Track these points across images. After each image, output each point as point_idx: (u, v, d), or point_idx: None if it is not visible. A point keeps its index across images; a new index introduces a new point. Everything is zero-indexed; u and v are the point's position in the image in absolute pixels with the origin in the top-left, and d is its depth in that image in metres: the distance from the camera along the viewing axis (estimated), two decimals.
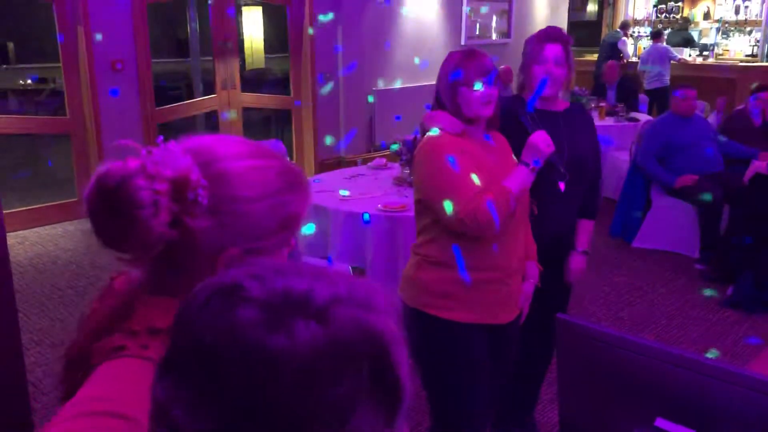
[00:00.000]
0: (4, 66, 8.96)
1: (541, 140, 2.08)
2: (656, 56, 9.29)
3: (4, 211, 5.50)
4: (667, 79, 9.17)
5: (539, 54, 2.38)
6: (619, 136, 6.58)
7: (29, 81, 8.83)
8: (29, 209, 5.76)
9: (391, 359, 0.56)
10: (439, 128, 2.06)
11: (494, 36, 9.26)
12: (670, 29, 11.69)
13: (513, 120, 2.26)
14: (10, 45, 9.05)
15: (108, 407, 0.75)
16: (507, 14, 9.40)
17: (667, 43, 10.01)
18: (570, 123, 2.47)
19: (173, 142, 0.87)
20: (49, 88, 8.58)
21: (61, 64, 5.75)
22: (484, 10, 8.94)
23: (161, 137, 0.89)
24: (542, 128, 2.16)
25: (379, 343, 0.55)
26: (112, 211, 0.80)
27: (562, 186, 2.34)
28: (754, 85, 5.61)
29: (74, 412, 0.74)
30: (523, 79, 2.48)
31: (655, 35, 9.76)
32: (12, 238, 5.32)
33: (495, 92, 2.06)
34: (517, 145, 2.15)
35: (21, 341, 2.24)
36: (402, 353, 0.57)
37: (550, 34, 2.42)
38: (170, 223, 0.81)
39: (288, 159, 0.98)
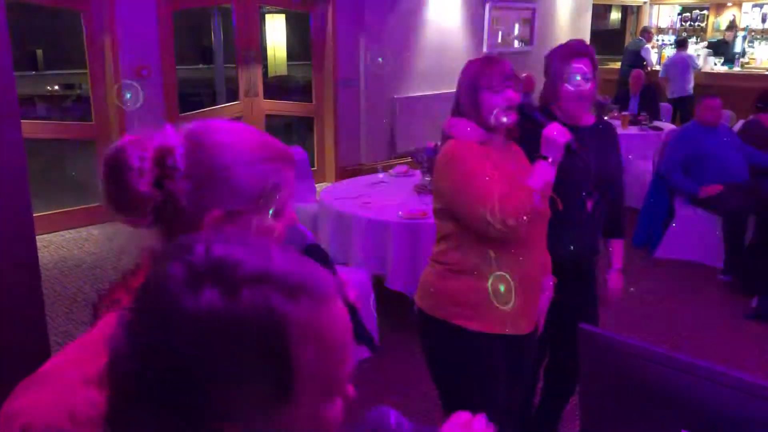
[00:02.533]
0: (33, 72, 9.10)
1: (555, 131, 2.03)
2: (679, 65, 9.21)
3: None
4: (690, 87, 9.08)
5: (568, 72, 2.33)
6: (642, 146, 6.52)
7: (56, 87, 8.97)
8: (55, 213, 5.84)
9: (285, 340, 0.62)
10: (461, 135, 2.05)
11: (516, 44, 9.23)
12: (696, 38, 11.57)
13: (526, 121, 2.22)
14: (39, 52, 9.19)
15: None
16: (530, 22, 9.37)
17: (701, 53, 9.92)
18: (597, 138, 2.44)
19: (170, 124, 1.02)
20: (76, 94, 8.71)
21: (87, 71, 5.84)
22: (506, 17, 8.93)
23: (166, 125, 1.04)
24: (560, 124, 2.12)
25: (275, 325, 0.62)
26: (111, 176, 0.96)
27: (589, 205, 2.34)
28: None
29: (61, 356, 0.89)
30: (549, 98, 2.42)
31: (680, 44, 9.68)
32: (39, 242, 5.38)
33: (517, 98, 2.04)
34: (532, 142, 2.10)
35: (49, 344, 2.28)
36: (309, 338, 0.64)
37: (575, 49, 2.36)
38: (153, 183, 0.96)
39: (276, 139, 1.08)
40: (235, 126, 1.04)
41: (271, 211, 1.02)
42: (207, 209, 0.97)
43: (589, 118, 2.49)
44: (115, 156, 0.96)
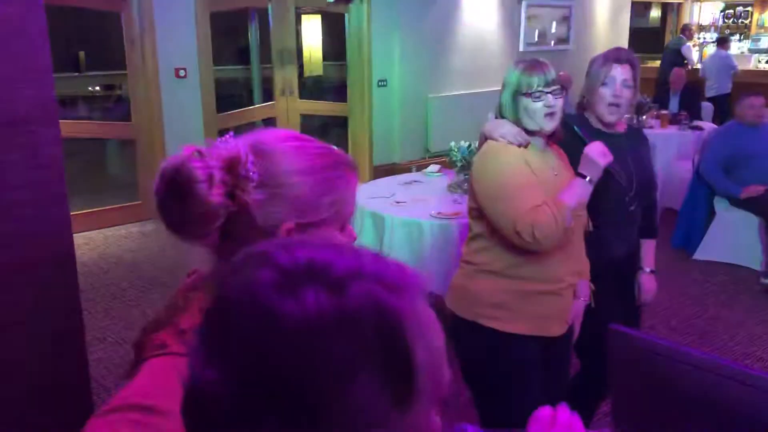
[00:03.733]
0: (76, 74, 9.32)
1: (597, 151, 2.03)
2: (719, 64, 9.02)
3: (73, 213, 5.74)
4: (728, 86, 8.89)
5: (606, 75, 2.31)
6: (681, 145, 6.40)
7: (98, 88, 9.17)
8: (95, 211, 5.98)
9: (404, 337, 0.56)
10: (501, 137, 2.04)
11: (553, 43, 9.14)
12: (739, 35, 11.31)
13: (569, 131, 2.22)
14: (82, 54, 9.41)
15: (139, 401, 0.79)
16: (567, 21, 9.27)
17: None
18: (632, 143, 2.44)
19: (230, 135, 0.97)
20: (116, 95, 8.90)
21: (127, 72, 5.97)
22: (543, 16, 8.85)
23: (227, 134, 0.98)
24: (603, 144, 2.12)
25: (391, 321, 0.55)
26: (174, 191, 0.89)
27: (634, 211, 2.36)
28: None
29: (108, 408, 0.80)
30: (587, 100, 2.40)
31: (721, 41, 9.47)
32: (78, 239, 5.53)
33: (559, 103, 2.02)
34: (574, 156, 2.12)
35: (85, 340, 2.33)
36: (420, 336, 0.57)
37: (618, 54, 2.34)
38: (226, 195, 0.90)
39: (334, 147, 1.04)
40: (293, 134, 1.00)
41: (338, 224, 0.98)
42: (279, 222, 0.92)
43: (621, 125, 2.47)
44: (177, 169, 0.89)
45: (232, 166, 0.91)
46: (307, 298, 0.54)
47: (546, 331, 2.11)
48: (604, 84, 2.31)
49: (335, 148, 1.02)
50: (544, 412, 0.85)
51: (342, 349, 0.53)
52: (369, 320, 0.54)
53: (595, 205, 2.13)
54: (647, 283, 2.61)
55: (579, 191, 2.02)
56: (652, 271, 2.61)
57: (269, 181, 0.92)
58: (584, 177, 2.03)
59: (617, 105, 2.32)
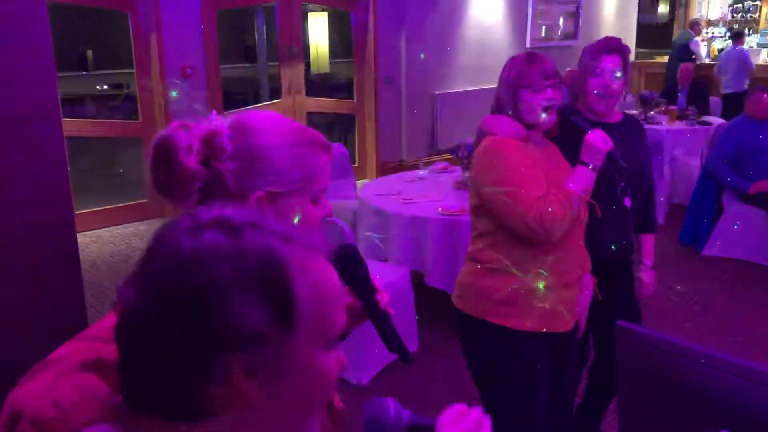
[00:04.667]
0: (83, 72, 9.36)
1: (598, 138, 2.02)
2: (734, 60, 8.91)
3: (81, 211, 5.77)
4: (745, 84, 8.79)
5: (596, 66, 2.31)
6: (689, 141, 6.36)
7: (105, 87, 9.20)
8: (103, 209, 6.00)
9: (284, 273, 0.68)
10: (499, 131, 2.03)
11: (560, 38, 9.10)
12: (748, 30, 11.21)
13: (565, 123, 2.20)
14: (89, 53, 9.45)
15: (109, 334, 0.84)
16: (574, 16, 9.23)
17: None
18: (625, 135, 2.40)
19: (215, 113, 1.09)
20: (124, 94, 8.93)
21: (134, 70, 5.98)
22: (550, 11, 8.82)
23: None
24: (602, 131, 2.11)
25: (275, 259, 0.68)
26: (159, 157, 1.02)
27: (627, 202, 2.31)
28: None
29: (82, 335, 0.94)
30: (578, 92, 2.42)
31: (736, 36, 9.36)
32: (87, 237, 5.56)
33: (558, 96, 2.02)
34: (572, 146, 2.10)
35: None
36: (305, 278, 0.69)
37: (608, 45, 2.34)
38: (201, 162, 1.01)
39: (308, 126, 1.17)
40: (274, 114, 1.11)
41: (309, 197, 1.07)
42: (251, 190, 1.02)
43: (616, 115, 2.47)
44: (164, 139, 1.02)
45: (209, 138, 1.03)
46: (206, 236, 0.67)
47: (554, 327, 2.10)
48: (594, 75, 2.32)
49: (310, 129, 1.12)
50: (459, 405, 0.92)
51: (227, 273, 0.65)
52: (253, 255, 0.67)
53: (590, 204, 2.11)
54: (647, 277, 2.58)
55: (583, 178, 2.01)
56: (652, 266, 2.58)
57: (242, 153, 1.03)
58: (587, 165, 2.02)
59: (607, 95, 2.32)
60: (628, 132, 2.44)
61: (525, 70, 2.00)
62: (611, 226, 2.32)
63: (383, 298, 1.17)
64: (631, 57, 2.47)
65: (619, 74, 2.31)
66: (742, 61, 8.91)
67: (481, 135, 2.09)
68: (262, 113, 1.10)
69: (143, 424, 0.68)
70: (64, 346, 0.92)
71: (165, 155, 1.01)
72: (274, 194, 1.03)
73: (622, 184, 2.19)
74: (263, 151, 1.04)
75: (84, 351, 0.88)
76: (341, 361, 0.76)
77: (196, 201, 1.03)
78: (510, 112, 2.04)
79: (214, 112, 1.10)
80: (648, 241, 2.59)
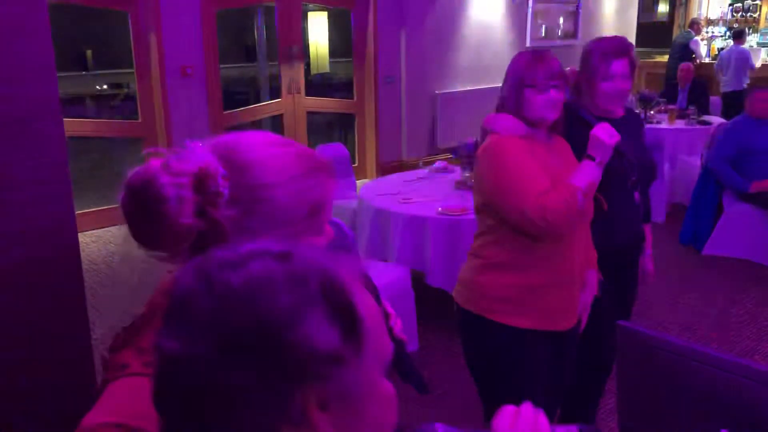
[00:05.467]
0: (83, 72, 9.35)
1: (604, 131, 2.02)
2: (735, 59, 8.91)
3: (81, 211, 5.76)
4: (745, 82, 8.79)
5: (607, 70, 2.32)
6: (689, 140, 6.36)
7: (105, 86, 9.20)
8: (104, 209, 5.99)
9: (346, 291, 0.63)
10: (502, 129, 2.03)
11: (560, 38, 9.10)
12: (748, 29, 11.20)
13: (572, 117, 2.20)
14: (89, 52, 9.44)
15: (109, 419, 0.79)
16: (574, 15, 9.23)
17: None
18: (628, 130, 2.41)
19: (197, 141, 0.91)
20: (123, 93, 8.93)
21: (134, 70, 5.98)
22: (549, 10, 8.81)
23: (187, 140, 0.92)
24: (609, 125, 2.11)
25: (333, 279, 0.63)
26: (142, 210, 0.85)
27: (637, 196, 2.34)
28: None
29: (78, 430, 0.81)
30: (585, 90, 2.41)
31: (737, 35, 9.35)
32: (87, 237, 5.56)
33: (562, 98, 2.02)
34: (579, 141, 2.10)
35: (90, 338, 2.33)
36: (359, 299, 0.64)
37: (617, 48, 2.34)
38: (196, 214, 0.85)
39: (308, 147, 1.00)
40: (267, 139, 0.94)
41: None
42: (253, 236, 0.85)
43: (618, 111, 2.49)
44: (145, 186, 0.84)
45: (201, 181, 0.86)
46: (255, 266, 0.61)
47: (555, 325, 2.10)
48: (605, 79, 2.33)
49: (310, 151, 0.97)
50: (509, 407, 0.87)
51: (287, 297, 0.59)
52: (313, 277, 0.61)
53: (598, 191, 2.12)
54: (649, 265, 2.66)
55: (589, 173, 2.00)
56: (651, 254, 2.66)
57: (241, 196, 0.88)
58: (593, 159, 2.01)
59: (618, 97, 2.36)
60: (631, 126, 2.47)
61: (530, 69, 2.00)
62: (622, 222, 2.37)
63: (396, 325, 1.12)
64: None
65: (628, 76, 2.34)
66: (743, 59, 8.91)
67: (484, 133, 2.10)
68: (253, 138, 0.93)
69: None
70: None
71: (147, 207, 0.84)
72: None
73: (633, 178, 2.19)
74: (263, 190, 0.89)
75: None
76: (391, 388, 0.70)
77: (189, 253, 0.87)
78: (513, 111, 2.04)
79: (195, 143, 0.90)
80: (647, 230, 2.64)
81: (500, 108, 2.09)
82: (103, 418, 0.80)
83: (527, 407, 0.86)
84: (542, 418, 0.85)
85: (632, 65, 2.35)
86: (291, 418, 0.59)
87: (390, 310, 1.12)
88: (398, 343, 1.06)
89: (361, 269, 0.69)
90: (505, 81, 2.07)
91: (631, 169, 2.19)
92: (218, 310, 0.59)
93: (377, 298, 1.07)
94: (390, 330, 1.05)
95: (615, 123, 2.38)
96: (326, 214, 0.95)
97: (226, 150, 0.90)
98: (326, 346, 0.59)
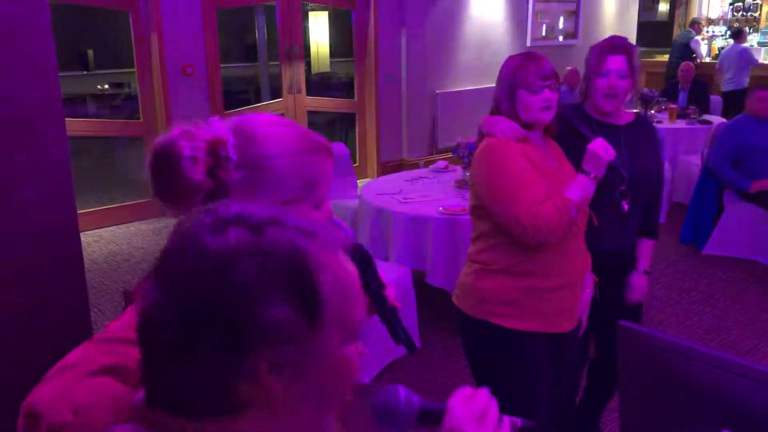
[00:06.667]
0: (84, 72, 9.36)
1: (600, 147, 2.02)
2: (736, 57, 8.91)
3: (82, 211, 5.77)
4: (745, 81, 8.80)
5: (602, 66, 2.30)
6: (690, 139, 6.36)
7: (106, 86, 9.21)
8: (105, 209, 6.00)
9: (309, 269, 0.68)
10: (498, 132, 2.04)
11: (561, 37, 9.10)
12: (749, 28, 11.20)
13: (568, 127, 2.18)
14: (90, 52, 9.45)
15: (123, 335, 0.87)
16: (574, 15, 9.23)
17: None
18: (631, 137, 2.39)
19: (217, 117, 1.06)
20: (125, 93, 8.93)
21: (135, 70, 5.99)
22: (550, 10, 8.81)
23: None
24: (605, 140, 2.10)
25: (299, 255, 0.68)
26: (162, 166, 0.99)
27: (625, 206, 2.26)
28: None
29: (99, 337, 0.92)
30: (585, 90, 2.40)
31: (736, 34, 9.36)
32: (89, 236, 5.57)
33: (555, 97, 2.02)
34: (574, 153, 2.10)
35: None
36: (328, 273, 0.70)
37: (613, 44, 2.33)
38: (207, 173, 0.99)
39: (309, 129, 1.14)
40: (276, 119, 1.08)
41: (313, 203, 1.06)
42: (255, 199, 0.98)
43: (627, 116, 2.45)
44: (167, 146, 0.99)
45: (215, 147, 0.99)
46: (230, 234, 0.67)
47: (557, 327, 2.10)
48: (600, 75, 2.31)
49: (313, 133, 1.10)
50: (466, 388, 0.93)
51: (255, 273, 0.65)
52: (278, 253, 0.67)
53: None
54: (637, 282, 2.51)
55: (583, 187, 2.01)
56: (645, 272, 2.51)
57: (247, 163, 1.01)
58: (588, 174, 2.02)
59: (613, 95, 2.32)
60: (638, 133, 2.42)
61: (522, 70, 2.00)
62: (607, 229, 2.28)
63: (391, 294, 1.18)
64: None
65: (625, 74, 2.30)
66: (744, 58, 8.91)
67: (480, 136, 2.10)
68: (264, 117, 1.08)
69: (168, 423, 0.68)
70: (79, 349, 0.91)
71: (167, 164, 0.99)
72: (277, 203, 1.00)
73: (623, 187, 2.17)
74: (267, 160, 1.02)
75: (100, 354, 0.87)
76: (361, 353, 0.77)
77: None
78: (507, 113, 2.04)
79: (216, 117, 1.06)
80: (645, 245, 2.52)
81: (495, 111, 2.09)
82: (123, 333, 0.88)
83: (483, 392, 0.93)
84: (494, 403, 0.92)
85: (631, 64, 2.31)
86: (242, 377, 0.66)
87: (385, 281, 1.19)
88: (391, 310, 1.15)
89: (346, 239, 0.76)
90: (498, 84, 2.07)
91: (620, 179, 2.17)
92: (188, 271, 0.67)
93: (371, 269, 1.14)
94: (384, 298, 1.15)
95: (618, 130, 2.37)
96: (323, 190, 1.07)
97: (240, 125, 1.04)
98: (278, 322, 0.66)
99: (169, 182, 0.99)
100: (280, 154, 1.03)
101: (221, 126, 1.03)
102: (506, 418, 0.92)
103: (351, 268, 0.75)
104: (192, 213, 0.72)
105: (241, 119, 1.06)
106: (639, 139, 2.42)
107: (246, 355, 0.65)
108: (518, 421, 0.94)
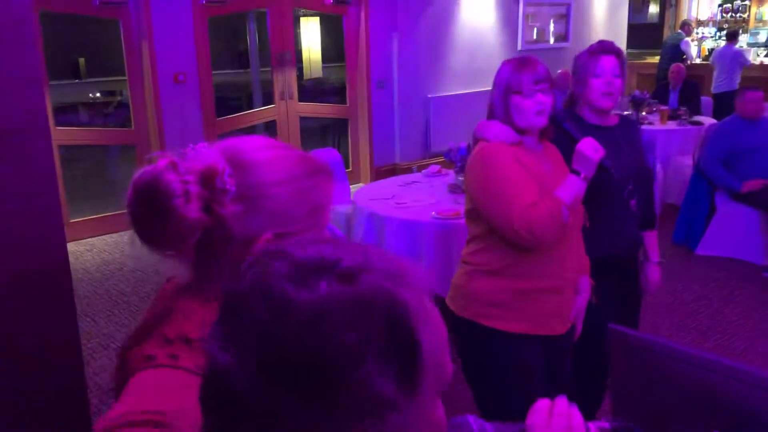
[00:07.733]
0: (76, 80, 9.33)
1: (588, 147, 2.03)
2: (729, 59, 8.96)
3: (75, 220, 5.75)
4: (736, 82, 8.84)
5: (596, 66, 2.34)
6: (681, 141, 6.39)
7: (98, 94, 9.18)
8: (98, 218, 5.98)
9: (411, 326, 0.58)
10: (492, 137, 2.04)
11: (552, 40, 9.13)
12: (738, 30, 11.26)
13: (559, 129, 2.21)
14: (82, 60, 9.42)
15: (146, 417, 0.78)
16: (565, 18, 9.26)
17: None
18: (625, 136, 2.45)
19: (203, 143, 0.94)
20: (117, 101, 8.91)
21: (126, 78, 5.98)
22: (541, 13, 8.84)
23: (191, 144, 0.94)
24: (594, 139, 2.12)
25: (400, 310, 0.58)
26: (149, 207, 0.86)
27: (633, 204, 2.34)
28: None
29: (113, 424, 0.79)
30: (579, 94, 2.43)
31: (731, 36, 9.41)
32: (81, 245, 5.55)
33: (549, 101, 2.03)
34: (566, 154, 2.12)
35: (81, 350, 2.31)
36: (425, 327, 0.60)
37: (604, 46, 2.38)
38: (202, 209, 0.87)
39: (309, 154, 1.03)
40: (269, 142, 0.98)
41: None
42: (257, 233, 0.89)
43: (614, 118, 2.50)
44: (152, 182, 0.86)
45: (208, 178, 0.87)
46: (320, 287, 0.57)
47: (548, 330, 2.11)
48: (595, 75, 2.35)
49: (311, 155, 1.01)
50: (543, 402, 0.86)
51: (353, 334, 0.55)
52: (379, 308, 0.57)
53: (593, 201, 2.13)
54: (653, 274, 2.64)
55: (574, 188, 2.02)
56: (658, 262, 2.65)
57: (246, 193, 0.89)
58: (578, 173, 2.03)
59: (610, 93, 2.36)
60: (628, 132, 2.49)
61: (515, 75, 2.01)
62: (622, 227, 2.37)
63: None
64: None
65: (618, 73, 2.35)
66: (738, 60, 8.96)
67: (475, 141, 2.11)
68: (255, 141, 0.96)
69: None
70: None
71: (154, 203, 0.85)
72: (282, 236, 0.90)
73: (630, 187, 2.21)
74: (268, 188, 0.91)
75: None
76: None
77: (193, 252, 0.89)
78: (502, 117, 2.05)
79: (202, 143, 0.94)
80: (651, 237, 2.64)
81: (490, 116, 2.10)
82: (129, 407, 0.80)
83: (562, 401, 0.85)
84: (576, 412, 0.85)
85: (622, 65, 2.37)
86: None
87: None
88: None
89: (428, 280, 0.65)
90: (493, 89, 2.09)
91: (627, 179, 2.20)
92: (274, 325, 0.56)
93: None
94: None
95: (612, 130, 2.40)
96: (326, 216, 0.98)
97: (231, 151, 0.92)
98: (381, 392, 0.56)
99: (157, 225, 0.86)
100: (282, 180, 0.92)
101: (211, 153, 0.90)
102: (591, 425, 0.85)
103: (438, 314, 0.65)
104: (254, 256, 0.62)
105: (230, 144, 0.95)
106: (631, 138, 2.49)
107: (336, 426, 0.56)
108: (606, 424, 0.87)
